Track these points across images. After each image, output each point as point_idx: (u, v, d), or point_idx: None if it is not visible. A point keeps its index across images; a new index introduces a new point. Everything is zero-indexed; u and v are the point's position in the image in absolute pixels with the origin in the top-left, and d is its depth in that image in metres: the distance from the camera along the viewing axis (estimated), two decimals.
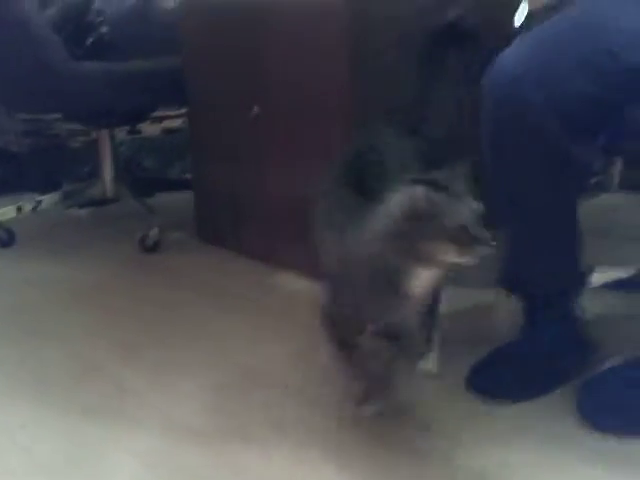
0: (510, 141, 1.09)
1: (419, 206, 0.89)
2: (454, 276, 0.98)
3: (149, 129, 2.33)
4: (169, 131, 2.41)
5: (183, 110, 2.13)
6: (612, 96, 1.00)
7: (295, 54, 1.64)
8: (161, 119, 2.27)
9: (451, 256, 0.91)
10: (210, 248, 2.01)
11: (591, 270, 1.27)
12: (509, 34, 1.16)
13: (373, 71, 1.54)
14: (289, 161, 1.74)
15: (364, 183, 1.03)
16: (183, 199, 2.21)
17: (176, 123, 2.33)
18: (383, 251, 0.94)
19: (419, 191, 0.88)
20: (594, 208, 1.67)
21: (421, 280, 0.96)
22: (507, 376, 1.20)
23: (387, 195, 0.94)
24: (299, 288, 1.69)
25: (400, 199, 0.91)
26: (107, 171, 2.22)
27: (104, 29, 2.19)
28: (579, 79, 0.99)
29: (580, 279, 1.25)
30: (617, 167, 2.20)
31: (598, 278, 1.44)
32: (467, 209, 0.90)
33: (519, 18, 2.39)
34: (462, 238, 0.89)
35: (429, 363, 1.25)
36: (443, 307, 1.23)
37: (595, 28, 1.01)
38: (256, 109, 1.76)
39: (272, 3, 1.66)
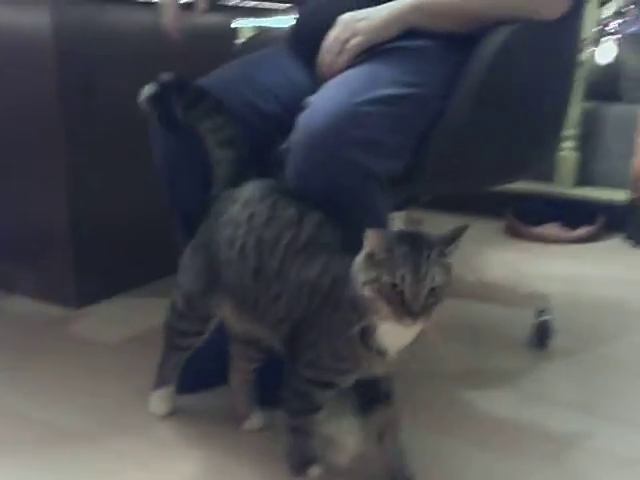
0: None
1: (373, 246, 0.79)
2: None
3: None
4: None
5: None
6: (257, 138, 1.15)
7: (7, 84, 1.67)
8: None
9: (385, 314, 0.79)
10: None
11: None
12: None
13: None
14: (15, 187, 1.76)
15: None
16: None
17: None
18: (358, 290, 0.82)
19: (374, 232, 0.79)
20: None
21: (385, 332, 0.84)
22: None
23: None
24: (27, 311, 1.70)
25: (366, 235, 0.80)
26: None
27: None
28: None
29: None
30: None
31: None
32: (413, 272, 0.76)
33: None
34: (394, 300, 0.77)
35: None
36: None
37: (240, 82, 1.19)
38: None
39: None
